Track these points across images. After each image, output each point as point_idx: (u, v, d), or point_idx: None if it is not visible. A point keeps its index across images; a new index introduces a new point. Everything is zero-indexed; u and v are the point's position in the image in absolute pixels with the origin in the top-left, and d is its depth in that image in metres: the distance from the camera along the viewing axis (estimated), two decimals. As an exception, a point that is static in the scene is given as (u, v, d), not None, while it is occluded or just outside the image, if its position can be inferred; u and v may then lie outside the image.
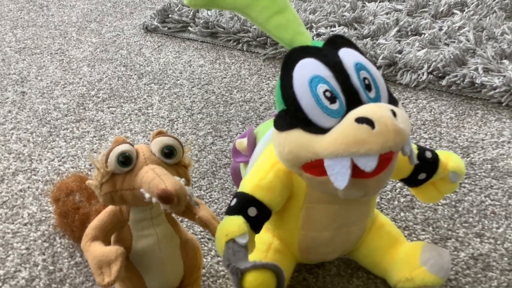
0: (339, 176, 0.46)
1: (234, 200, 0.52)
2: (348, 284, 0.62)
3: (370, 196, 0.51)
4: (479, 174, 0.81)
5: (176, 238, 0.54)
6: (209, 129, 0.93)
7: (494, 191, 0.77)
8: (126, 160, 0.46)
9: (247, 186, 0.53)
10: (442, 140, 0.90)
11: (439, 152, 0.59)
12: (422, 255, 0.57)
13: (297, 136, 0.48)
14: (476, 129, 0.93)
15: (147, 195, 0.44)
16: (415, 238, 0.69)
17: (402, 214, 0.73)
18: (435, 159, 0.58)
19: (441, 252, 0.58)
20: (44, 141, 0.90)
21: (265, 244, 0.58)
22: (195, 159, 0.85)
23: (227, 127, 0.94)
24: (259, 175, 0.53)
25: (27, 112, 0.98)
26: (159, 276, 0.54)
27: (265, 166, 0.54)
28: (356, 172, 0.45)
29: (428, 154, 0.58)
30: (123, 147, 0.46)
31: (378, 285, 0.62)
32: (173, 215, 0.55)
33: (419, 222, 0.72)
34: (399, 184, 0.78)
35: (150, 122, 0.95)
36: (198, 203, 0.49)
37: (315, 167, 0.48)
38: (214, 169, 0.83)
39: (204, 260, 0.65)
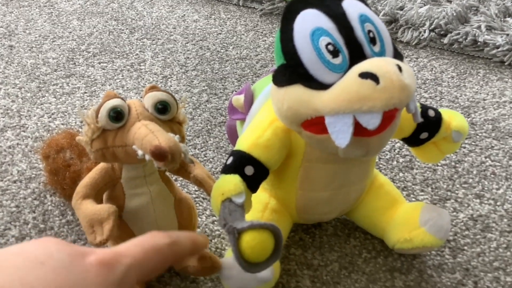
0: (340, 134, 0.44)
1: (230, 159, 0.50)
2: (345, 244, 0.61)
3: (371, 155, 0.49)
4: (480, 134, 0.80)
5: (170, 197, 0.52)
6: (204, 87, 0.91)
7: (495, 151, 0.76)
8: (117, 115, 0.44)
9: (244, 144, 0.50)
10: (443, 99, 0.88)
11: (442, 110, 0.57)
12: (422, 215, 0.56)
13: (297, 92, 0.45)
14: (477, 89, 0.91)
15: (140, 152, 0.42)
16: (413, 199, 0.68)
17: (401, 174, 0.72)
18: (438, 117, 0.56)
19: (440, 213, 0.56)
20: (33, 97, 0.87)
21: (262, 203, 0.57)
22: (190, 117, 0.83)
23: (223, 85, 0.91)
24: (257, 133, 0.51)
25: (15, 66, 0.95)
26: None
27: (262, 123, 0.52)
28: (358, 130, 0.43)
29: (431, 113, 0.55)
30: (115, 102, 0.44)
31: (375, 246, 0.61)
32: (167, 173, 0.53)
33: (418, 183, 0.70)
34: (398, 144, 0.77)
35: (143, 79, 0.93)
36: (193, 161, 0.47)
37: (315, 124, 0.46)
38: (209, 127, 0.81)
39: (199, 219, 0.64)
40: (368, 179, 0.58)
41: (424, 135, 0.56)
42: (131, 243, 0.32)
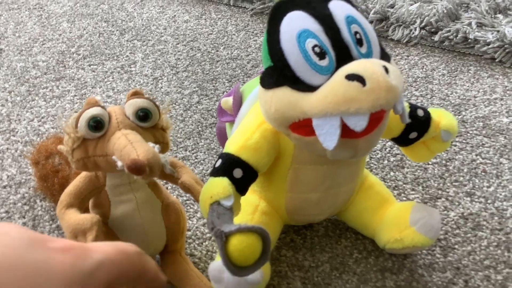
0: (328, 136, 0.44)
1: (219, 161, 0.50)
2: (336, 245, 0.61)
3: (359, 156, 0.49)
4: (471, 132, 0.80)
5: (157, 203, 0.52)
6: (194, 88, 0.90)
7: (486, 149, 0.76)
8: (97, 124, 0.43)
9: (232, 146, 0.50)
10: (434, 97, 0.88)
11: (431, 110, 0.57)
12: (412, 215, 0.56)
13: (284, 94, 0.45)
14: (468, 86, 0.91)
15: (119, 163, 0.41)
16: (404, 198, 0.68)
17: (391, 173, 0.72)
18: (427, 117, 0.56)
19: (431, 212, 0.56)
20: (23, 101, 0.86)
21: (252, 206, 0.57)
22: (180, 119, 0.82)
23: (213, 86, 0.91)
24: (245, 135, 0.51)
25: (5, 70, 0.95)
26: (140, 242, 0.52)
27: (251, 125, 0.51)
28: (346, 131, 0.43)
29: (420, 112, 0.55)
30: (94, 111, 0.43)
31: (366, 246, 0.61)
32: (155, 178, 0.53)
33: (409, 182, 0.70)
34: (389, 143, 0.77)
35: (133, 81, 0.92)
36: (173, 171, 0.47)
37: (303, 126, 0.46)
38: (200, 129, 0.80)
39: (190, 222, 0.64)
40: (358, 179, 0.57)
41: (413, 134, 0.56)
42: (101, 243, 0.31)
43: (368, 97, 0.41)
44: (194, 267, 0.56)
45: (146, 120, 0.45)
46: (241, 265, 0.43)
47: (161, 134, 0.46)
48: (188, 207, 0.66)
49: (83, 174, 0.49)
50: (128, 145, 0.40)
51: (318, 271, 0.58)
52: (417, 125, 0.55)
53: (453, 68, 0.96)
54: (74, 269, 0.27)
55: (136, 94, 0.46)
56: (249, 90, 0.58)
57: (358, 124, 0.42)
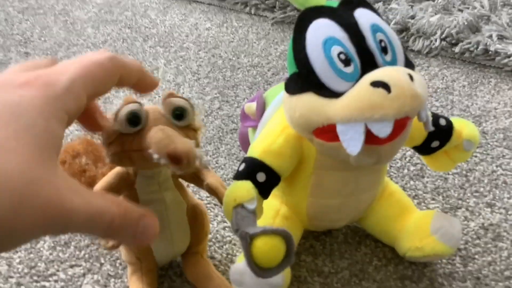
0: (351, 142, 0.44)
1: (243, 165, 0.50)
2: (356, 252, 0.62)
3: (382, 163, 0.49)
4: (491, 143, 0.80)
5: (183, 204, 0.53)
6: (215, 94, 0.92)
7: (506, 160, 0.76)
8: (135, 119, 0.44)
9: (256, 150, 0.51)
10: (454, 108, 0.88)
11: (453, 119, 0.57)
12: (433, 224, 0.56)
13: (309, 100, 0.46)
14: (488, 98, 0.91)
15: (155, 156, 0.42)
16: (424, 207, 0.68)
17: (411, 182, 0.72)
18: (449, 126, 0.56)
19: (452, 222, 0.57)
20: (48, 103, 0.88)
21: (273, 210, 0.57)
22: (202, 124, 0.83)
23: (234, 92, 0.92)
24: (269, 140, 0.52)
25: (31, 73, 0.97)
26: (166, 242, 0.53)
27: (275, 130, 0.52)
28: (370, 138, 0.44)
29: (442, 122, 0.56)
30: (133, 106, 0.45)
31: (386, 253, 0.61)
32: (181, 180, 0.54)
33: (429, 191, 0.70)
34: (409, 153, 0.77)
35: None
36: (207, 166, 0.48)
37: (327, 132, 0.46)
38: (220, 134, 0.81)
39: (211, 225, 0.65)
40: (379, 186, 0.58)
41: (435, 143, 0.56)
42: (63, 65, 0.30)
43: (393, 104, 0.42)
44: (215, 269, 0.56)
45: (181, 119, 0.46)
46: (264, 267, 0.44)
47: (193, 134, 0.47)
48: (209, 211, 0.67)
49: (115, 170, 0.50)
50: (166, 138, 0.41)
51: (337, 277, 0.58)
52: (440, 134, 0.56)
53: (473, 79, 0.96)
54: (47, 99, 0.26)
55: (172, 95, 0.47)
56: (273, 96, 0.58)
57: (382, 130, 0.43)
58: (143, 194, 0.50)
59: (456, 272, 0.59)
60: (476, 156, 0.77)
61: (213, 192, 0.51)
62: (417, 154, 0.76)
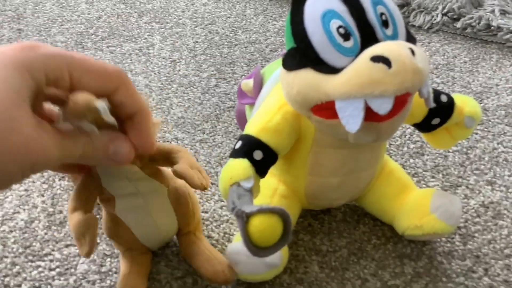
0: (351, 118, 0.43)
1: (239, 143, 0.49)
2: (354, 230, 0.61)
3: (382, 141, 0.48)
4: (492, 120, 0.78)
5: (163, 189, 0.51)
6: (212, 71, 0.90)
7: (508, 138, 0.75)
8: None
9: (252, 128, 0.50)
10: (455, 85, 0.86)
11: (454, 96, 0.56)
12: (433, 202, 0.55)
13: (307, 76, 0.45)
14: (490, 74, 0.89)
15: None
16: (424, 185, 0.67)
17: (411, 160, 0.71)
18: (451, 103, 0.55)
19: (452, 199, 0.56)
20: (42, 81, 0.86)
21: (271, 189, 0.56)
22: (198, 102, 0.82)
23: (232, 69, 0.91)
24: (266, 117, 0.50)
25: (24, 50, 0.95)
26: (150, 230, 0.52)
27: (272, 107, 0.51)
28: (369, 114, 0.43)
29: (444, 98, 0.54)
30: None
31: (385, 232, 0.61)
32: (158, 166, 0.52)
33: (429, 169, 0.69)
34: (409, 130, 0.76)
35: (151, 63, 0.92)
36: (113, 121, 0.41)
37: (326, 109, 0.45)
38: (217, 112, 0.80)
39: (208, 204, 0.64)
40: (379, 164, 0.57)
41: (436, 120, 0.55)
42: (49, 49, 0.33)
43: (394, 79, 0.40)
44: (210, 245, 0.55)
45: None
46: (261, 246, 0.43)
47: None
48: (206, 190, 0.65)
49: (80, 177, 0.49)
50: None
51: (335, 256, 0.58)
52: (440, 111, 0.54)
53: (475, 55, 0.94)
54: (24, 56, 0.31)
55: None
56: (270, 73, 0.57)
57: (383, 107, 0.42)
58: (113, 191, 0.49)
59: (455, 250, 0.59)
60: (476, 133, 0.75)
61: (181, 178, 0.48)
62: (417, 132, 0.75)
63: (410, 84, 0.41)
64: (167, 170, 0.53)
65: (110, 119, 0.37)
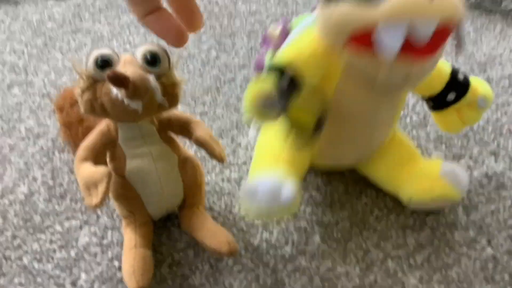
0: (389, 43, 0.43)
1: (266, 70, 0.49)
2: (357, 201, 0.61)
3: (409, 84, 0.48)
4: (496, 91, 0.77)
5: (174, 157, 0.52)
6: (212, 43, 0.88)
7: (511, 108, 0.74)
8: (103, 63, 0.42)
9: (281, 58, 0.49)
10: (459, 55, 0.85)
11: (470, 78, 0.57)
12: (443, 167, 0.56)
13: (347, 6, 0.44)
14: (494, 44, 0.88)
15: (114, 90, 0.41)
16: (427, 156, 0.66)
17: (414, 132, 0.70)
18: (467, 81, 0.56)
19: (460, 168, 0.56)
20: (40, 53, 0.85)
21: (274, 156, 0.55)
22: (198, 74, 0.81)
23: (232, 41, 0.89)
24: (295, 50, 0.50)
25: (21, 22, 0.93)
26: (157, 195, 0.52)
27: (302, 42, 0.50)
28: (406, 47, 0.42)
29: (461, 76, 0.56)
30: (102, 50, 0.43)
31: (387, 203, 0.60)
32: (172, 134, 0.52)
33: (432, 140, 0.69)
34: (412, 101, 0.75)
35: (150, 35, 0.90)
36: (164, 101, 0.45)
37: (362, 39, 0.44)
38: (218, 84, 0.79)
39: (209, 177, 0.63)
40: (391, 128, 0.57)
41: (451, 95, 0.55)
42: None
43: (438, 7, 0.41)
44: (212, 220, 0.55)
45: (154, 65, 0.44)
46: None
47: (171, 86, 0.45)
48: (207, 161, 0.65)
49: (97, 128, 0.49)
50: (121, 69, 0.40)
51: (338, 228, 0.58)
52: (457, 86, 0.55)
53: (479, 25, 0.93)
54: None
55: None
56: (297, 24, 0.56)
57: (424, 30, 0.42)
58: (127, 149, 0.49)
59: (458, 221, 0.58)
60: (480, 104, 0.74)
61: (202, 145, 0.49)
62: (420, 103, 0.74)
63: (452, 12, 0.42)
64: (178, 141, 0.53)
65: (160, 99, 0.42)
